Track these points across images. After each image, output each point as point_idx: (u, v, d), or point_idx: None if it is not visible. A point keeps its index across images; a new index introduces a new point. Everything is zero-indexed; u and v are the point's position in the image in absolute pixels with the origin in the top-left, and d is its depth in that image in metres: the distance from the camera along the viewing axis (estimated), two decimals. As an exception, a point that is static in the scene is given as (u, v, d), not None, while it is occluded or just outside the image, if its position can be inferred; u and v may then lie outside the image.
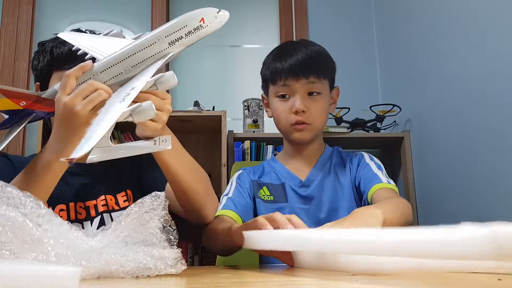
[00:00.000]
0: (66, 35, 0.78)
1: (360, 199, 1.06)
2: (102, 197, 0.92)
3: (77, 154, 0.51)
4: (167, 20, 2.25)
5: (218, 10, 0.64)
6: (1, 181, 0.47)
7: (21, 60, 2.12)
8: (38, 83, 0.95)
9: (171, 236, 0.54)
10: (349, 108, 1.85)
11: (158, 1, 2.25)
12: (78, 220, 0.89)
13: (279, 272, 0.54)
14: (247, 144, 1.77)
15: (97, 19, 2.30)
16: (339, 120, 1.86)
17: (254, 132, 1.82)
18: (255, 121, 1.83)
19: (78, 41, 0.75)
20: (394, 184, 1.03)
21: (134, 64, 0.65)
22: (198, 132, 1.98)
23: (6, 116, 0.68)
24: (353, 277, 0.40)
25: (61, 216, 0.86)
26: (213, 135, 1.86)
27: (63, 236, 0.46)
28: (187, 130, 1.94)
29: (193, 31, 0.63)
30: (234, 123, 2.11)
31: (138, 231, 0.50)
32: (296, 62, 1.04)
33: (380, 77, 2.22)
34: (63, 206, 0.88)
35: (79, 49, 0.73)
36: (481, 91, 1.34)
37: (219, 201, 1.06)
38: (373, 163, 1.08)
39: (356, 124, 1.88)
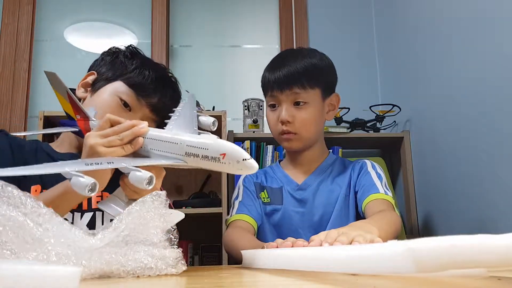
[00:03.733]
0: None
1: (357, 206, 1.08)
2: (99, 192, 0.91)
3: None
4: (167, 20, 2.26)
5: (247, 158, 0.60)
6: (1, 181, 0.47)
7: (22, 60, 2.11)
8: (93, 72, 0.93)
9: (171, 236, 0.54)
10: (349, 108, 1.85)
11: (158, 1, 2.25)
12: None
13: (280, 272, 0.54)
14: (247, 144, 1.77)
15: (97, 19, 2.30)
16: (339, 120, 1.86)
17: (254, 132, 1.82)
18: (255, 121, 1.83)
19: None
20: (391, 195, 1.04)
21: (150, 148, 0.68)
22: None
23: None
24: (353, 277, 0.40)
25: None
26: (213, 135, 1.86)
27: (64, 236, 0.46)
28: (187, 130, 1.94)
29: (210, 158, 0.62)
30: (234, 123, 2.11)
31: (139, 230, 0.51)
32: (281, 75, 1.06)
33: (379, 77, 2.22)
34: None
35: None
36: (481, 91, 1.34)
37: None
38: (374, 172, 1.09)
39: (356, 124, 1.88)
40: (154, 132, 0.69)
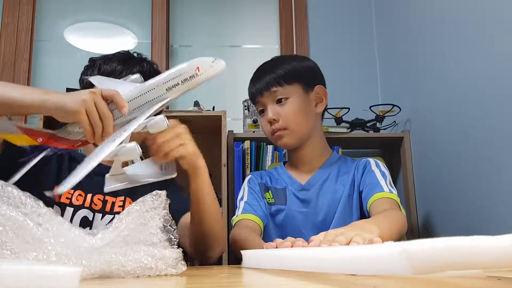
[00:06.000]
0: (95, 80, 0.83)
1: (362, 205, 1.07)
2: (122, 198, 0.95)
3: (62, 188, 0.57)
4: (167, 20, 2.26)
5: (213, 59, 0.71)
6: (1, 181, 0.47)
7: (22, 60, 2.11)
8: None
9: (171, 236, 0.54)
10: (348, 108, 1.85)
11: (158, 1, 2.25)
12: (91, 208, 0.92)
13: (279, 272, 0.54)
14: (247, 144, 1.77)
15: (97, 19, 2.30)
16: (339, 120, 1.86)
17: (254, 132, 1.82)
18: (255, 121, 1.83)
19: (104, 85, 0.79)
20: (396, 193, 1.03)
21: (134, 107, 0.70)
22: (198, 132, 1.96)
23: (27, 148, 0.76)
24: (353, 277, 0.40)
25: (77, 200, 0.91)
26: (213, 135, 1.86)
27: (64, 235, 0.46)
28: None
29: (188, 78, 0.70)
30: (234, 123, 2.10)
31: (139, 230, 0.51)
32: (258, 84, 1.13)
33: (380, 77, 2.22)
34: (82, 193, 0.92)
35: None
36: (481, 91, 1.34)
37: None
38: (378, 171, 1.09)
39: (356, 124, 1.88)
40: (128, 94, 0.70)
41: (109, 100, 0.69)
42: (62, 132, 0.72)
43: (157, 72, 1.01)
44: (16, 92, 0.69)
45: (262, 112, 1.15)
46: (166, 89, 0.70)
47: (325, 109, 1.22)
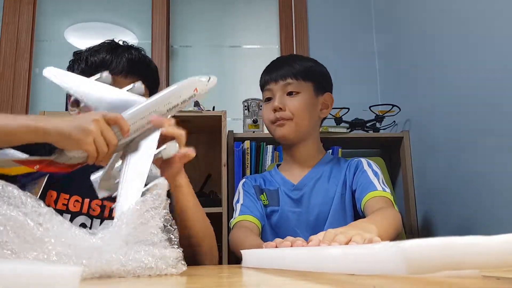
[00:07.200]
0: (49, 73, 0.78)
1: (355, 205, 1.08)
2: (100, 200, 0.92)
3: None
4: (167, 20, 2.26)
5: (208, 78, 0.75)
6: (1, 181, 0.47)
7: (22, 60, 2.11)
8: None
9: (171, 236, 0.54)
10: (348, 108, 1.85)
11: (158, 1, 2.25)
12: (89, 215, 0.90)
13: (279, 272, 0.54)
14: (247, 144, 1.77)
15: (97, 19, 2.31)
16: (338, 120, 1.87)
17: (254, 132, 1.82)
18: (255, 121, 1.83)
19: (66, 83, 0.76)
20: (389, 191, 1.04)
21: (136, 129, 0.70)
22: (198, 132, 1.98)
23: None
24: (352, 277, 0.40)
25: (74, 206, 0.89)
26: (213, 135, 1.86)
27: (64, 235, 0.46)
28: (187, 130, 1.94)
29: (187, 99, 0.74)
30: (234, 123, 2.11)
31: (139, 230, 0.51)
32: (275, 72, 1.15)
33: (379, 77, 2.22)
34: (79, 198, 0.89)
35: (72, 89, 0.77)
36: (480, 91, 1.34)
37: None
38: (370, 170, 1.10)
39: (356, 124, 1.88)
40: (130, 115, 0.70)
41: (112, 124, 0.67)
42: (60, 157, 0.68)
43: (145, 59, 0.99)
44: (9, 120, 0.64)
45: (268, 100, 1.16)
46: (167, 110, 0.72)
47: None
